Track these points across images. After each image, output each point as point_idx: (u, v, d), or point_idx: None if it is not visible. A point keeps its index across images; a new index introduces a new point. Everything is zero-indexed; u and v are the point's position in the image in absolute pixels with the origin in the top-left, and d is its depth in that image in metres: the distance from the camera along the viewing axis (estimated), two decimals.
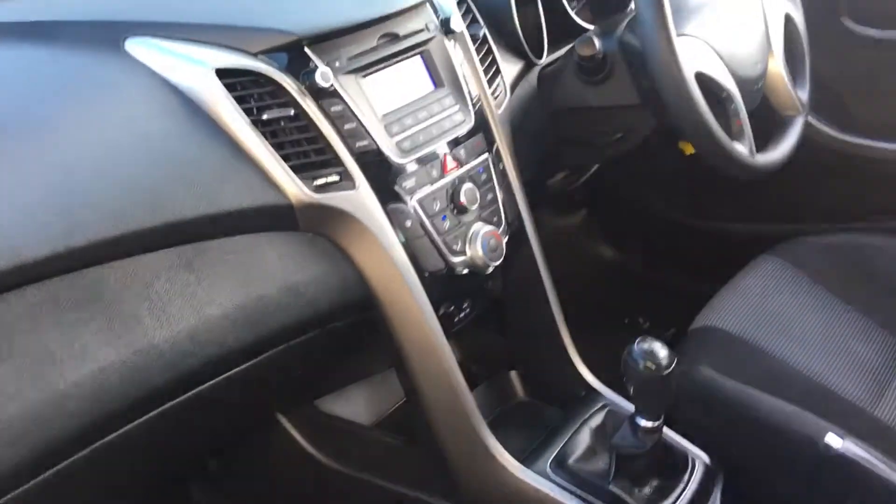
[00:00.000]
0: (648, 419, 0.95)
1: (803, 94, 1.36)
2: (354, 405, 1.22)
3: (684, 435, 1.07)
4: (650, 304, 1.92)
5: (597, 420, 1.08)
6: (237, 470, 1.35)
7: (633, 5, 1.20)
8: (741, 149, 1.14)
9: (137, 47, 0.85)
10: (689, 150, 1.27)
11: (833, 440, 1.04)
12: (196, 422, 0.91)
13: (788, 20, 1.35)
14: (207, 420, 0.94)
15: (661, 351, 0.90)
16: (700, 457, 1.05)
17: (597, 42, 1.16)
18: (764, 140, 1.26)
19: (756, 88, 1.25)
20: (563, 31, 1.35)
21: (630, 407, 1.03)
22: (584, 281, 1.88)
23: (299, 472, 1.22)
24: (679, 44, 1.05)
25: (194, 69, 0.82)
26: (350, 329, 0.96)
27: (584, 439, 1.05)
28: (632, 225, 1.95)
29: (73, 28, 0.88)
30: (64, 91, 0.81)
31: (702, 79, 1.10)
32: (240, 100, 0.83)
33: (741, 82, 1.18)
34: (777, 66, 1.30)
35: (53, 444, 0.69)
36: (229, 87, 0.82)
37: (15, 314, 0.67)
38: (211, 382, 0.83)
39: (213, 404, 0.87)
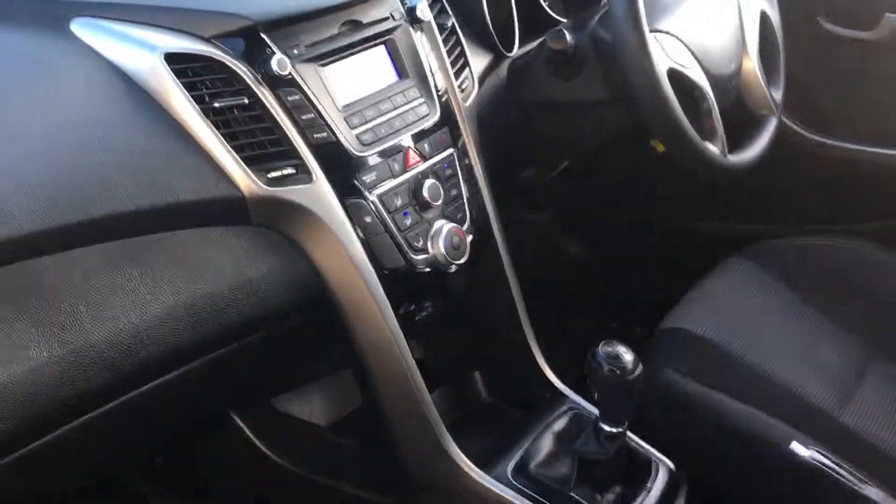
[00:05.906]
0: (612, 424, 0.93)
1: (777, 94, 1.34)
2: (311, 405, 1.19)
3: (649, 439, 1.05)
4: (618, 303, 1.90)
5: (560, 424, 1.05)
6: (187, 467, 1.31)
7: None
8: (713, 148, 1.12)
9: (83, 29, 0.81)
10: (660, 147, 1.25)
11: (798, 447, 1.03)
12: (140, 421, 0.87)
13: (764, 18, 1.33)
14: (153, 419, 0.90)
15: (626, 355, 0.87)
16: (664, 462, 1.03)
17: (568, 36, 1.13)
18: (736, 140, 1.24)
19: (730, 87, 1.23)
20: (535, 23, 1.31)
21: (596, 411, 1.01)
22: (551, 279, 1.85)
23: (252, 472, 1.19)
24: (651, 39, 1.03)
25: (142, 53, 0.79)
26: (305, 328, 0.93)
27: (546, 444, 1.03)
28: (602, 222, 1.92)
29: (16, 5, 0.84)
30: (2, 71, 0.76)
31: (674, 75, 1.07)
32: (190, 86, 0.79)
33: (714, 80, 1.16)
34: (751, 65, 1.29)
35: None
36: (179, 73, 0.78)
37: None
38: (155, 382, 0.79)
39: (159, 404, 0.83)
